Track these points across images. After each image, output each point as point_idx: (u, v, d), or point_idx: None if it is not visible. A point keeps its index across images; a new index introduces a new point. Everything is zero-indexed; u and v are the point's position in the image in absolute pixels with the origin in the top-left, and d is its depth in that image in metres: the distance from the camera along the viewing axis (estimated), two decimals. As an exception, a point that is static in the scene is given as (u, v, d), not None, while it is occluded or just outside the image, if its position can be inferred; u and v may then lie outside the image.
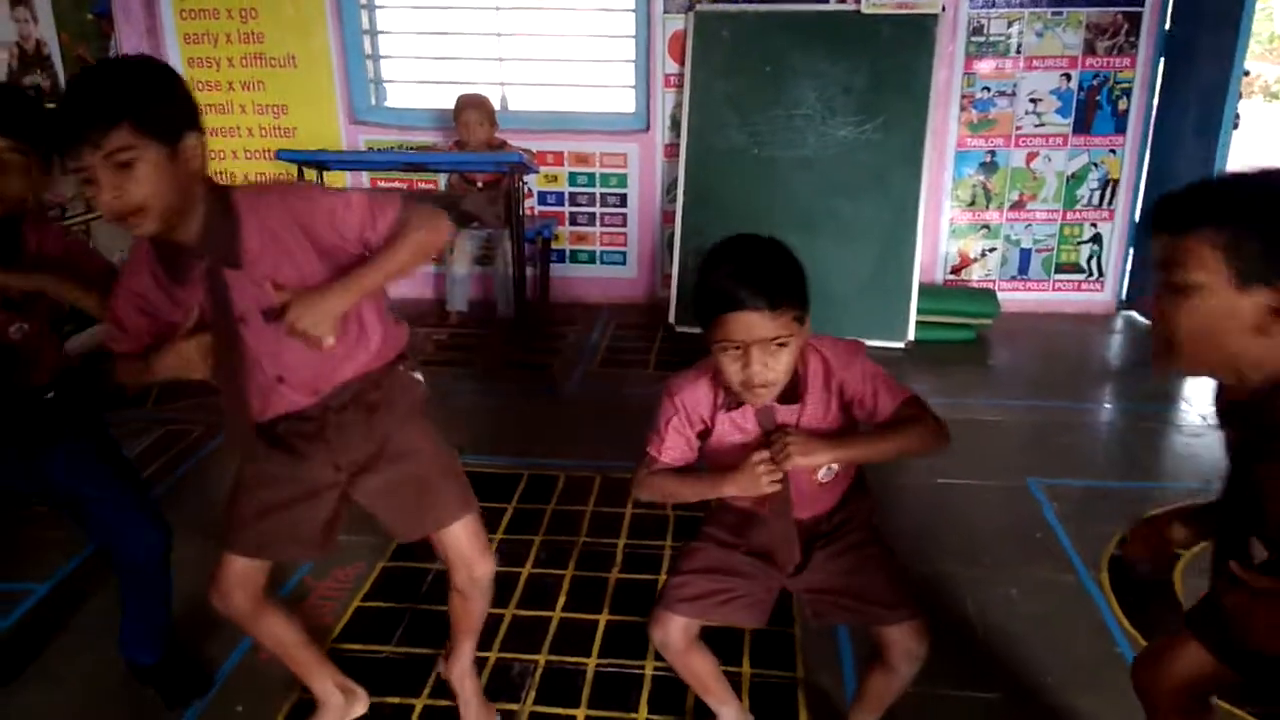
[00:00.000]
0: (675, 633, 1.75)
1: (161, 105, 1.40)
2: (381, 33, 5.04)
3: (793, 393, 1.61)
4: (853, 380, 1.64)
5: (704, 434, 1.70)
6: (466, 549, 1.81)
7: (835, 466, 1.66)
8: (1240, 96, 4.18)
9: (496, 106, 4.63)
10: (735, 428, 1.66)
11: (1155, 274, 1.22)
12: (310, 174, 4.19)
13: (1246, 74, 4.64)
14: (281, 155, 4.17)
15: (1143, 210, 4.69)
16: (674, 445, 1.69)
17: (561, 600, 2.49)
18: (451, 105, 4.50)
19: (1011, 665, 2.26)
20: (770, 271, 1.50)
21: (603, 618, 2.42)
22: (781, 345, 1.50)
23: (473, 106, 4.46)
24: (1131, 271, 4.79)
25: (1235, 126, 4.14)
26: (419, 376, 1.80)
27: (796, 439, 1.56)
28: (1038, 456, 3.28)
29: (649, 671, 2.22)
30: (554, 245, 4.98)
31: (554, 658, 2.27)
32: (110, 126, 1.33)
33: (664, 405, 1.69)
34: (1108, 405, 3.84)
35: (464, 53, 4.98)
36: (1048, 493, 3.02)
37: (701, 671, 1.88)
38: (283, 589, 2.50)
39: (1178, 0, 4.42)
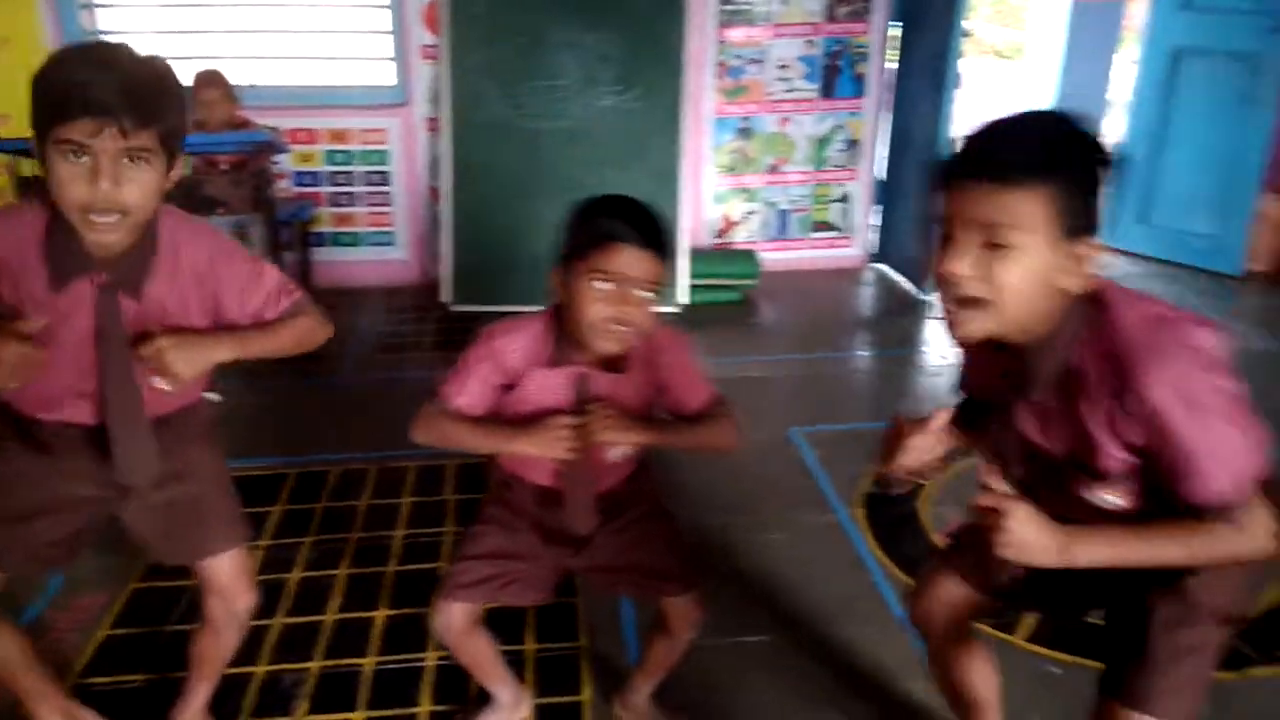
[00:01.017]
0: (457, 618, 1.73)
1: (181, 120, 1.37)
2: (102, 5, 4.58)
3: (618, 362, 1.61)
4: (675, 367, 1.66)
5: (507, 389, 1.66)
6: (228, 581, 1.70)
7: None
8: (963, 56, 4.54)
9: (243, 82, 4.33)
10: (546, 388, 1.63)
11: (957, 230, 1.12)
12: (26, 166, 3.75)
13: (969, 35, 5.01)
14: (-11, 143, 3.71)
15: (888, 169, 5.02)
16: (474, 391, 1.63)
17: (336, 601, 2.39)
18: (188, 83, 4.16)
19: (781, 607, 2.39)
20: (660, 225, 1.53)
21: (380, 614, 2.34)
22: (649, 294, 1.52)
23: (209, 84, 4.14)
24: (881, 227, 5.13)
25: (958, 85, 4.49)
26: (214, 396, 1.67)
27: (613, 414, 1.57)
28: (799, 407, 3.47)
29: (430, 663, 2.18)
30: (313, 228, 4.75)
31: (329, 663, 2.18)
32: (146, 124, 1.28)
33: (476, 347, 1.64)
34: (860, 353, 4.11)
35: (201, 26, 4.61)
36: (809, 440, 3.21)
37: (480, 655, 1.86)
38: (19, 622, 2.27)
39: (905, -31, 4.74)
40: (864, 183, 5.05)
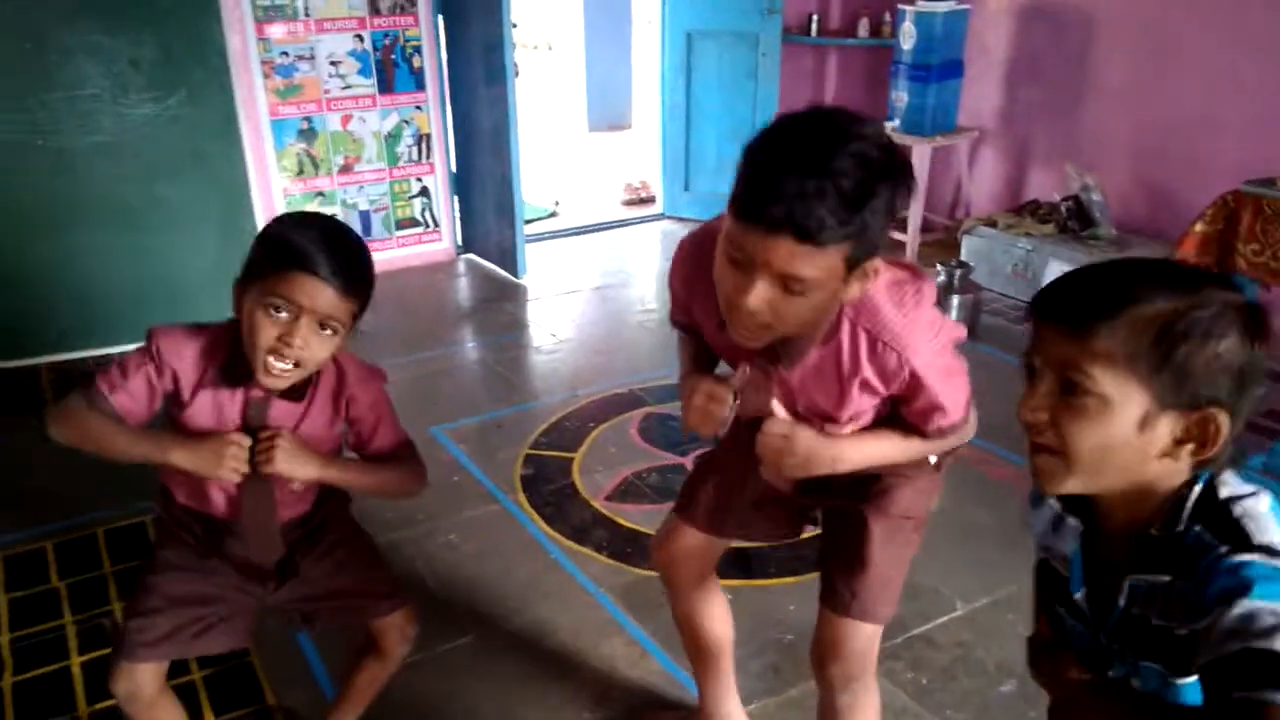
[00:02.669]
0: (145, 682, 1.54)
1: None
2: None
3: (299, 391, 1.47)
4: (364, 402, 1.55)
5: (171, 401, 1.47)
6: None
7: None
8: (515, 47, 4.70)
9: None
10: (215, 411, 1.45)
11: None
12: None
13: (516, 26, 5.19)
14: None
15: (458, 160, 5.06)
16: (134, 391, 1.43)
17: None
18: None
19: (474, 606, 2.37)
20: (356, 256, 1.41)
21: (9, 741, 1.94)
22: (331, 331, 1.39)
23: None
24: (461, 217, 5.18)
25: (516, 75, 4.66)
26: None
27: (287, 444, 1.42)
28: (433, 406, 3.43)
29: (95, 777, 1.86)
30: None
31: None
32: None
33: (141, 349, 1.45)
34: (474, 344, 4.15)
35: None
36: (452, 437, 3.19)
37: None
38: None
39: (441, -38, 4.78)
40: (441, 175, 5.06)
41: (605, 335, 4.13)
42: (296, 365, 1.39)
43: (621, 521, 2.71)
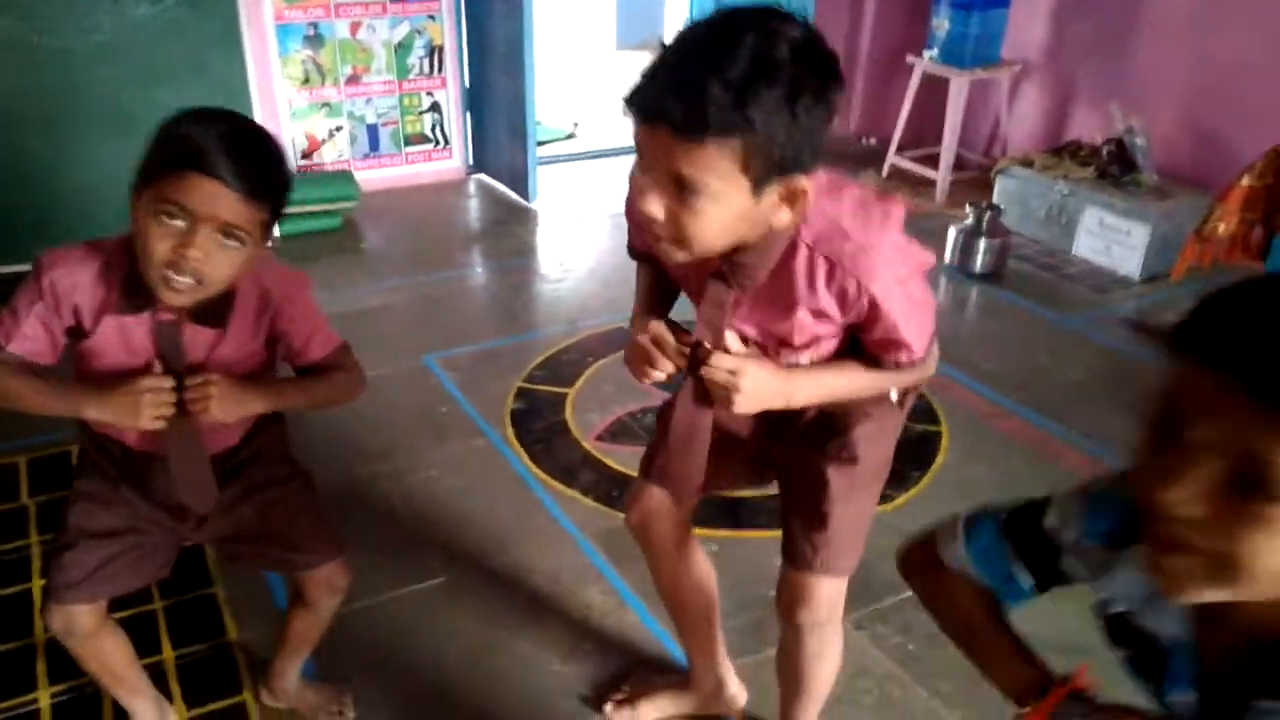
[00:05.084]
0: (81, 619, 1.47)
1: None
2: None
3: (217, 314, 1.34)
4: (292, 316, 1.42)
5: (75, 334, 1.34)
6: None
7: None
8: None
9: None
10: (122, 342, 1.33)
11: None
12: None
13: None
14: None
15: (472, 76, 4.86)
16: (32, 335, 1.32)
17: (-108, 661, 1.89)
18: None
19: (451, 544, 2.29)
20: (263, 158, 1.26)
21: (-38, 662, 1.90)
22: (236, 241, 1.24)
23: None
24: (473, 136, 5.00)
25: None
26: None
27: (222, 388, 1.31)
28: (429, 332, 3.32)
29: (45, 703, 1.81)
30: None
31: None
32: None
33: (29, 283, 1.31)
34: (478, 269, 4.02)
35: None
36: (444, 365, 3.09)
37: (113, 659, 1.60)
38: None
39: None
40: (453, 91, 4.87)
41: (615, 266, 3.96)
42: (199, 282, 1.24)
43: (611, 464, 2.60)
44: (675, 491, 1.55)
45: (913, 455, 2.64)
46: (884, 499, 1.68)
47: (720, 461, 1.45)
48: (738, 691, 1.85)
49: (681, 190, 1.03)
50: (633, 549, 2.20)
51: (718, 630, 1.79)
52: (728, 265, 1.18)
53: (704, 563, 1.71)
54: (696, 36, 1.00)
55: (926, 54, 4.59)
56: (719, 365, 1.20)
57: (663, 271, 1.37)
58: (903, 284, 1.20)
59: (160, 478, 1.43)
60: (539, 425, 2.77)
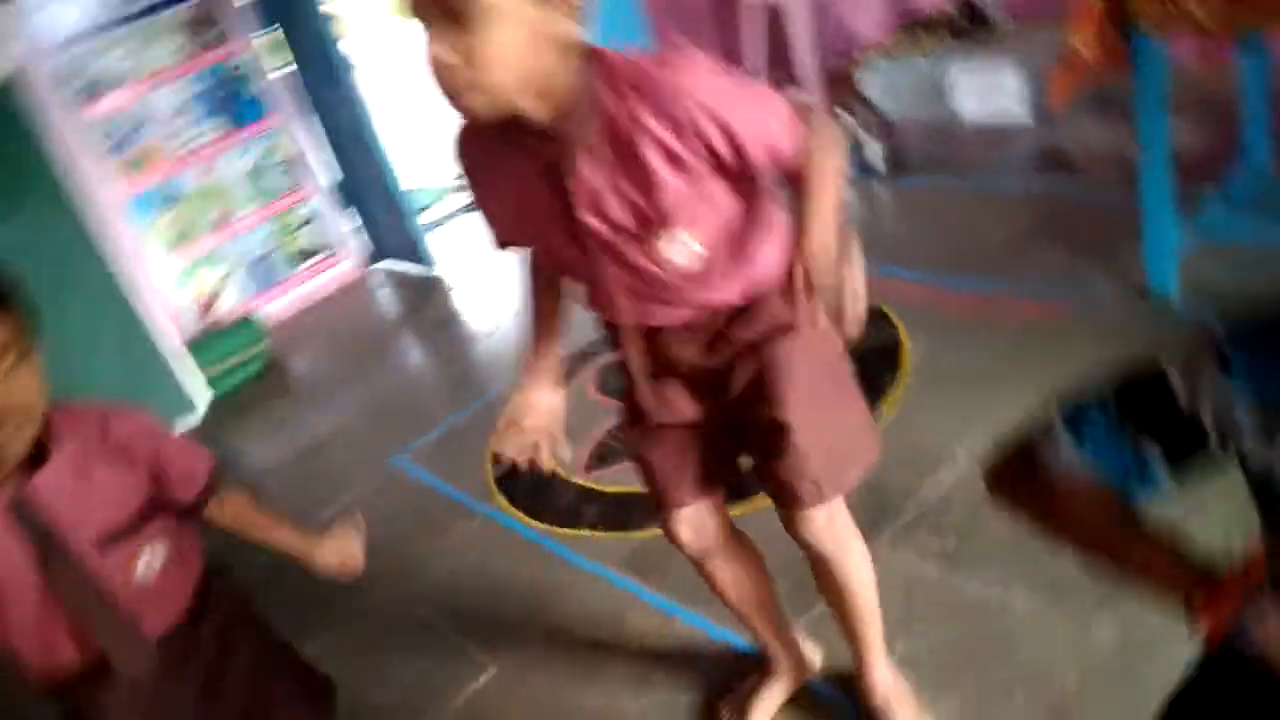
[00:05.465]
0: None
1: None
2: None
3: (38, 456, 1.18)
4: (159, 449, 1.29)
5: None
6: None
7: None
8: (342, 38, 4.41)
9: None
10: None
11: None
12: None
13: (339, 18, 4.85)
14: None
15: (341, 168, 4.78)
16: None
17: None
18: None
19: (486, 629, 2.25)
20: None
21: None
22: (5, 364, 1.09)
23: None
24: (365, 227, 4.92)
25: (350, 69, 4.34)
26: None
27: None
28: (386, 435, 3.24)
29: None
30: None
31: None
32: None
33: None
34: (410, 355, 3.98)
35: None
36: (414, 460, 3.04)
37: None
38: None
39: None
40: (323, 194, 4.80)
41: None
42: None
43: (607, 490, 2.58)
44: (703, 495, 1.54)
45: (879, 363, 2.64)
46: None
47: (700, 453, 1.44)
48: (813, 653, 1.84)
49: (460, 25, 1.03)
50: (657, 560, 2.19)
51: (780, 605, 1.77)
52: (551, 144, 1.15)
53: (752, 546, 1.70)
54: None
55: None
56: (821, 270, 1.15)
57: (547, 272, 1.40)
58: (729, 83, 1.16)
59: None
60: (525, 481, 2.73)
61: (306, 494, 2.99)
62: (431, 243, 4.62)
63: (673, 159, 1.16)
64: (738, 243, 1.28)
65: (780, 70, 4.93)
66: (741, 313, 1.36)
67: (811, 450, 1.37)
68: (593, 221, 1.21)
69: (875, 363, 2.64)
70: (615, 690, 1.98)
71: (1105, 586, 1.74)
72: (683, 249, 1.24)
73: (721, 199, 1.23)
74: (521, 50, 1.07)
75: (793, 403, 1.35)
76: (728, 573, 1.66)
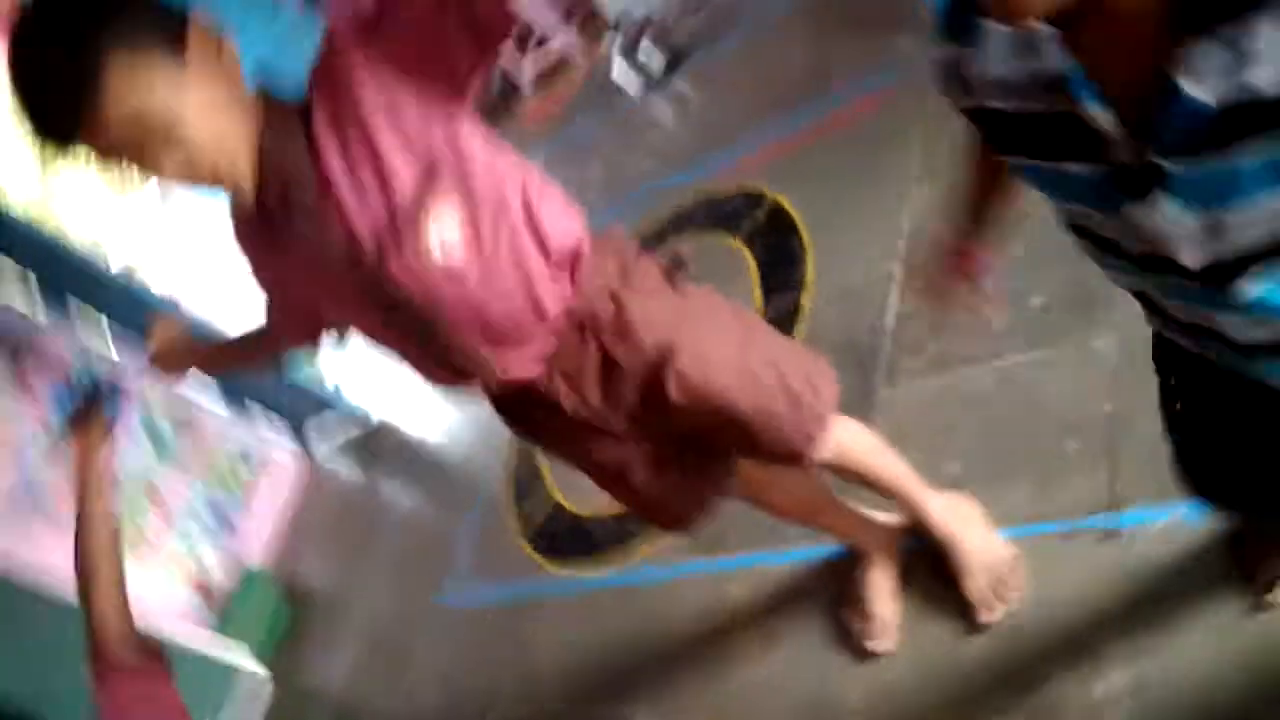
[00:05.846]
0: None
1: None
2: None
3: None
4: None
5: None
6: None
7: None
8: None
9: None
10: None
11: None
12: None
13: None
14: None
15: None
16: None
17: None
18: None
19: (614, 694, 2.25)
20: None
21: None
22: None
23: None
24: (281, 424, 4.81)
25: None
26: None
27: None
28: (416, 584, 3.19)
29: None
30: None
31: None
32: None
33: None
34: (404, 504, 3.92)
35: None
36: (454, 587, 3.02)
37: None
38: None
39: None
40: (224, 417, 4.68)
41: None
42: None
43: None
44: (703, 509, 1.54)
45: (781, 241, 2.65)
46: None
47: (655, 473, 1.44)
48: (887, 519, 1.84)
49: (158, 144, 1.01)
50: (718, 529, 2.19)
51: (843, 500, 1.79)
52: (274, 200, 1.10)
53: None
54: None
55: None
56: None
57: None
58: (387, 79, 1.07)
59: None
60: (567, 543, 2.72)
61: (388, 680, 2.98)
62: (350, 396, 4.52)
63: (393, 121, 1.09)
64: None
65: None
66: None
67: (769, 412, 1.33)
68: (356, 229, 1.13)
69: (777, 259, 2.64)
70: (752, 660, 1.99)
71: (1082, 311, 1.77)
72: (440, 240, 1.14)
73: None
74: (202, 128, 1.03)
75: (679, 368, 1.28)
76: (777, 497, 1.68)
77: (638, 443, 1.40)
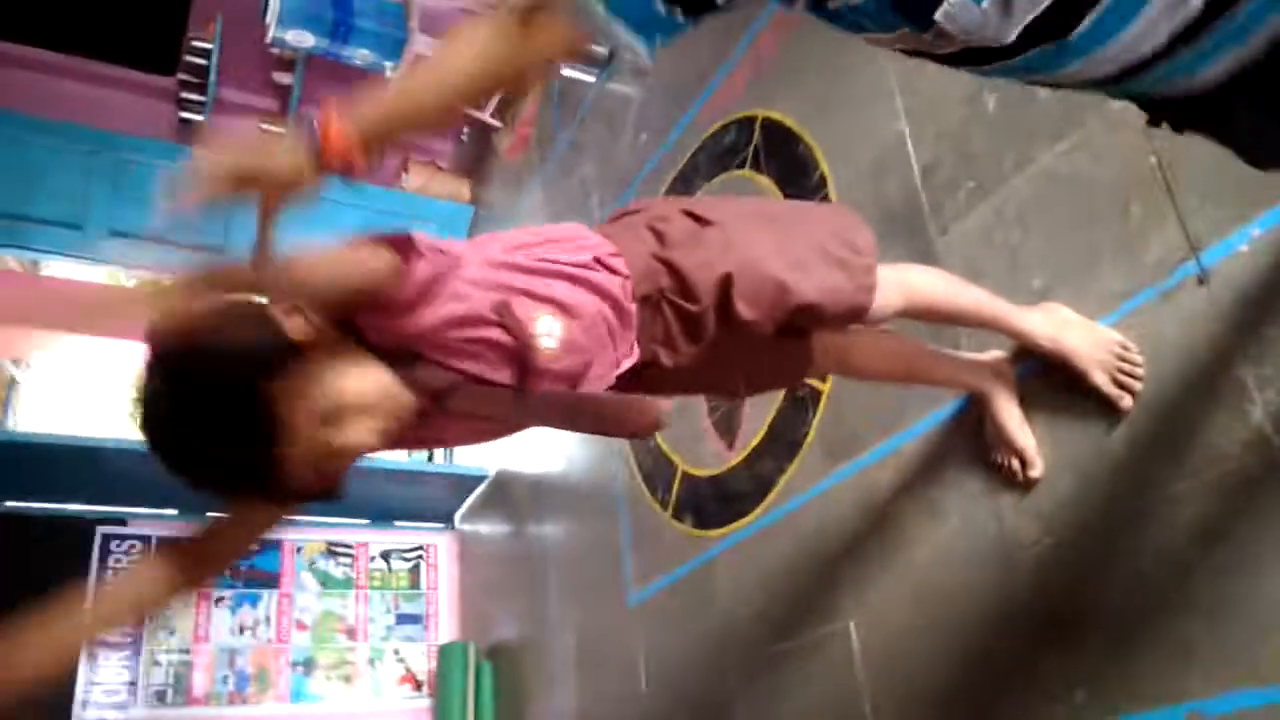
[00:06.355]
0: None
1: None
2: None
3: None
4: None
5: None
6: None
7: None
8: None
9: None
10: None
11: None
12: None
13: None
14: None
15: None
16: None
17: None
18: None
19: (830, 603, 2.34)
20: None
21: None
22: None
23: None
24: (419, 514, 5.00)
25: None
26: None
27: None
28: (601, 596, 3.34)
29: None
30: None
31: None
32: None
33: None
34: (555, 537, 4.06)
35: None
36: (639, 584, 3.14)
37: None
38: None
39: None
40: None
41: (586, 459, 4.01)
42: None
43: (751, 444, 2.66)
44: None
45: (791, 168, 2.66)
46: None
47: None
48: (990, 355, 1.85)
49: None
50: (832, 430, 2.25)
51: (936, 348, 1.84)
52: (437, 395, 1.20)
53: (885, 330, 1.73)
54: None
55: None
56: None
57: None
58: None
59: None
60: (713, 506, 2.80)
61: (619, 689, 3.12)
62: (459, 459, 4.71)
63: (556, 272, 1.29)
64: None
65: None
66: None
67: (828, 288, 1.43)
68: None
69: (785, 155, 2.67)
70: (926, 533, 2.03)
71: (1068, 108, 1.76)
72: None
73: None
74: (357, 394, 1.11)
75: (781, 291, 1.40)
76: (858, 359, 1.72)
77: (734, 357, 1.51)
